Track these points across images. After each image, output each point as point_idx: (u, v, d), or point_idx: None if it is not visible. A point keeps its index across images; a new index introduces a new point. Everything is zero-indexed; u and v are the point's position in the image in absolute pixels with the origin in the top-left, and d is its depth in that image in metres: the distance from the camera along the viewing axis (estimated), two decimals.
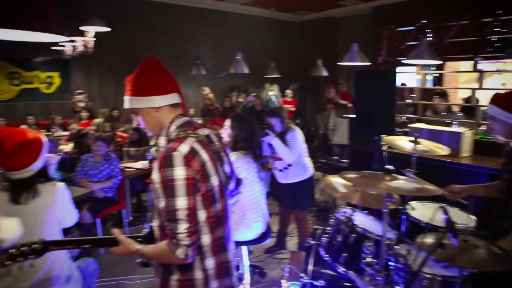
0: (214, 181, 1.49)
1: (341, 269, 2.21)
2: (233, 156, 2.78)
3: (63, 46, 6.90)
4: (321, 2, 8.20)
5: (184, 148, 1.42)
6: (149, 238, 1.55)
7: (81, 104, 7.68)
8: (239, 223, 2.82)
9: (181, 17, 9.78)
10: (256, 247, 4.19)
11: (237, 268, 3.22)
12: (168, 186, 1.38)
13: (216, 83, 10.49)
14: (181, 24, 9.80)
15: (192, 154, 1.43)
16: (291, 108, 9.61)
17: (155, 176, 1.40)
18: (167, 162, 1.39)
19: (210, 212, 1.48)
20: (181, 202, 1.38)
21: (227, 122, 2.94)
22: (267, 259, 4.11)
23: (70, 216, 2.16)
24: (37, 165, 1.98)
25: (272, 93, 10.49)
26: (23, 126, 7.40)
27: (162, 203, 1.40)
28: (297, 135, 3.64)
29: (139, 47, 9.01)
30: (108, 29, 5.11)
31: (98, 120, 6.58)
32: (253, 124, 2.94)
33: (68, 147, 5.68)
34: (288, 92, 9.75)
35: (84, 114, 7.45)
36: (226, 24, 10.41)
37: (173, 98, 1.57)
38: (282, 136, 3.60)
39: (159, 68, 1.57)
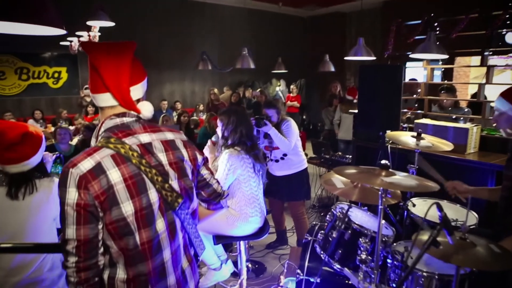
0: (127, 209, 1.19)
1: (336, 266, 2.16)
2: (225, 154, 2.74)
3: (71, 41, 6.95)
4: None
5: (86, 164, 1.16)
6: None
7: (88, 99, 7.73)
8: (236, 218, 2.79)
9: (188, 12, 9.77)
10: (258, 242, 4.17)
11: (236, 263, 3.20)
12: (61, 209, 1.16)
13: (223, 79, 10.47)
14: (188, 19, 9.79)
15: (93, 173, 1.15)
16: (296, 104, 9.54)
17: None
18: (62, 179, 1.15)
19: (122, 245, 1.21)
20: (70, 232, 1.14)
21: (218, 118, 2.92)
22: (268, 255, 4.08)
23: None
24: (36, 159, 1.94)
25: (279, 88, 10.46)
26: (30, 121, 7.49)
27: None
28: (292, 125, 3.69)
29: (145, 42, 9.01)
30: (113, 23, 5.10)
31: None
32: (240, 116, 2.88)
33: (73, 141, 5.70)
34: (293, 87, 9.68)
35: (90, 108, 7.49)
36: (234, 19, 10.37)
37: (100, 100, 1.32)
38: (277, 127, 3.64)
39: (89, 62, 1.31)
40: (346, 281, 2.21)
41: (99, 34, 5.98)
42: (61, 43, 7.35)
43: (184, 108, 9.03)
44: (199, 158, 1.48)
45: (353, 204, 2.54)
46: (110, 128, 1.28)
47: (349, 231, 2.16)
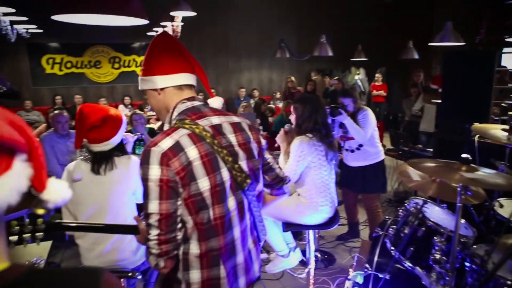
0: (204, 184, 1.24)
1: (407, 264, 2.06)
2: (296, 140, 2.73)
3: (156, 31, 7.38)
4: None
5: (166, 143, 1.22)
6: None
7: None
8: (306, 206, 2.78)
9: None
10: (329, 233, 4.12)
11: (304, 252, 3.20)
12: (144, 186, 1.22)
13: (300, 67, 10.39)
14: (267, 7, 9.82)
15: (174, 151, 1.21)
16: (382, 93, 9.15)
17: None
18: (144, 158, 1.22)
19: (198, 219, 1.27)
20: (153, 206, 1.21)
21: (292, 106, 2.90)
22: (338, 246, 4.02)
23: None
24: (116, 140, 2.15)
25: (358, 77, 10.09)
26: (121, 106, 8.14)
27: None
28: (369, 115, 3.55)
29: (225, 30, 9.25)
30: (194, 13, 5.31)
31: None
32: (315, 104, 2.85)
33: (156, 125, 6.10)
34: (378, 76, 9.27)
35: None
36: (311, 6, 10.18)
37: (180, 79, 1.37)
38: (353, 116, 3.54)
39: (166, 45, 1.39)
40: (416, 281, 2.10)
41: (182, 24, 6.27)
42: (148, 33, 7.84)
43: (261, 95, 9.16)
44: (263, 141, 1.51)
45: (430, 200, 2.40)
46: (184, 111, 1.34)
47: (423, 228, 2.04)
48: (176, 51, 1.38)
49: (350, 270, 2.97)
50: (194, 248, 1.29)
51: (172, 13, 5.56)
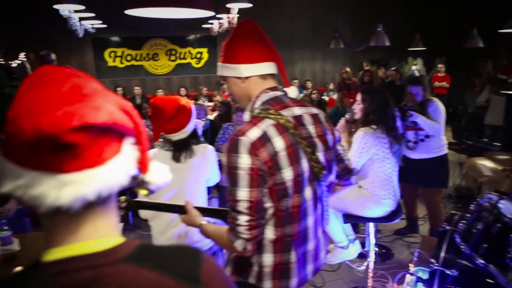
0: (287, 174, 1.27)
1: (480, 261, 1.98)
2: (360, 132, 2.69)
3: (212, 24, 7.52)
4: None
5: (254, 133, 1.25)
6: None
7: None
8: (368, 199, 2.75)
9: None
10: (386, 227, 4.05)
11: (363, 245, 3.17)
12: (232, 174, 1.25)
13: (354, 57, 10.16)
14: None
15: (262, 141, 1.24)
16: (445, 85, 8.74)
17: (223, 158, 1.30)
18: (233, 147, 1.25)
19: (279, 207, 1.30)
20: (243, 194, 1.24)
21: (358, 96, 2.85)
22: (396, 241, 3.94)
23: (215, 176, 2.40)
24: (190, 127, 2.24)
25: (415, 67, 9.70)
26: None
27: (228, 188, 1.30)
28: (440, 106, 3.42)
29: (279, 21, 9.22)
30: (250, 5, 5.35)
31: None
32: (384, 96, 2.80)
33: (212, 116, 6.24)
34: (440, 66, 8.85)
35: None
36: None
37: (264, 68, 1.38)
38: (422, 106, 3.40)
39: (252, 34, 1.39)
40: (488, 279, 2.01)
41: (238, 15, 6.33)
42: (203, 25, 8.00)
43: (314, 87, 9.09)
44: (336, 133, 1.54)
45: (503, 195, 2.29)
46: (267, 101, 1.36)
47: (498, 225, 1.95)
48: (260, 40, 1.39)
49: (410, 265, 2.90)
50: (270, 234, 1.34)
51: (228, 5, 5.64)
